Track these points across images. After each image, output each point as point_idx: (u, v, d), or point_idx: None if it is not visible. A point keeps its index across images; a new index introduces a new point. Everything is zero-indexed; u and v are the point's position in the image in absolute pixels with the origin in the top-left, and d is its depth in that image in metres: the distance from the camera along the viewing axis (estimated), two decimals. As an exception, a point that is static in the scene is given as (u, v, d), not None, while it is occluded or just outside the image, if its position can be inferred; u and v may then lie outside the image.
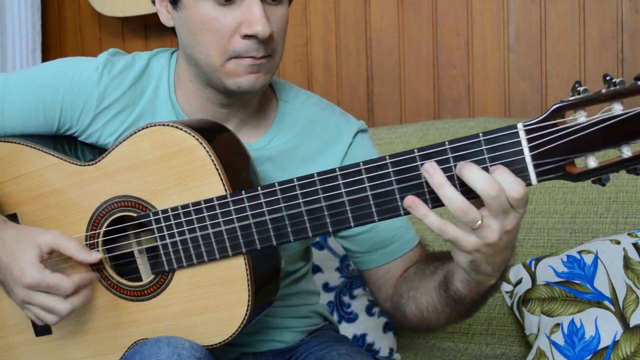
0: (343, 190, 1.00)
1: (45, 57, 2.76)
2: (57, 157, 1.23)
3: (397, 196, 0.97)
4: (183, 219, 1.12)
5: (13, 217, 1.28)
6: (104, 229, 1.19)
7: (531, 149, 0.89)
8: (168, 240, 1.13)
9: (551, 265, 1.65)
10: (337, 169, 1.00)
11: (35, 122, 1.27)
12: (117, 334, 1.20)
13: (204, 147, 1.10)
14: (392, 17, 2.33)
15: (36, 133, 1.29)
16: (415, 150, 0.95)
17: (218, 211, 1.09)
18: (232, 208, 1.08)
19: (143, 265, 1.20)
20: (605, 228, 1.74)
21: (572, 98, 0.87)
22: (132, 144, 1.16)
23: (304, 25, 2.45)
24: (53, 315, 1.14)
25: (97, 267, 1.20)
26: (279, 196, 1.04)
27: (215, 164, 1.10)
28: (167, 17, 1.25)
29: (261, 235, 1.07)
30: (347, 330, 1.83)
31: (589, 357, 1.48)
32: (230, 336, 1.12)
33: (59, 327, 1.25)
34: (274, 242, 1.07)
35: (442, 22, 2.28)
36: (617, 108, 0.86)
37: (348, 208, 1.00)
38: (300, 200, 1.03)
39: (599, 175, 0.88)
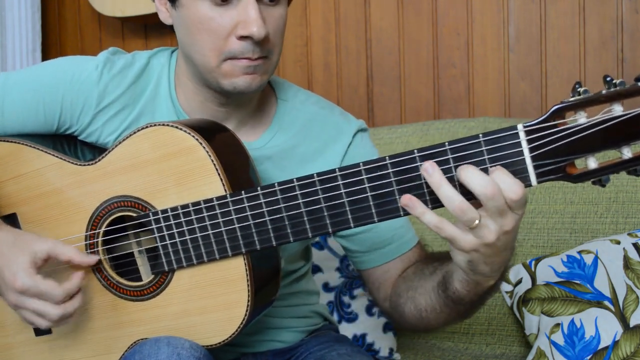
0: (343, 191, 1.00)
1: (45, 57, 2.76)
2: (57, 156, 1.23)
3: (397, 197, 0.96)
4: (183, 219, 1.11)
5: (12, 217, 1.28)
6: (103, 228, 1.19)
7: (531, 150, 0.89)
8: (168, 241, 1.13)
9: (551, 265, 1.65)
10: (336, 169, 1.00)
11: (35, 121, 1.27)
12: (116, 333, 1.20)
13: (204, 147, 1.10)
14: (392, 17, 2.33)
15: (36, 132, 1.29)
16: (415, 150, 0.95)
17: (218, 211, 1.09)
18: (231, 208, 1.08)
19: (143, 265, 1.20)
20: (605, 228, 1.74)
21: (572, 99, 0.87)
22: (131, 143, 1.16)
23: (304, 25, 2.44)
24: (44, 320, 1.14)
25: (96, 267, 1.20)
26: (279, 196, 1.04)
27: (214, 164, 1.10)
28: (165, 15, 1.25)
29: (261, 235, 1.07)
30: (347, 330, 1.83)
31: (589, 357, 1.48)
32: (230, 336, 1.12)
33: (59, 326, 1.25)
34: (274, 243, 1.07)
35: (442, 22, 2.28)
36: (617, 109, 0.85)
37: (348, 208, 1.00)
38: (300, 201, 1.03)
39: (599, 176, 0.88)
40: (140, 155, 1.15)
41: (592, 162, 0.88)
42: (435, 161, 0.93)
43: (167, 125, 1.13)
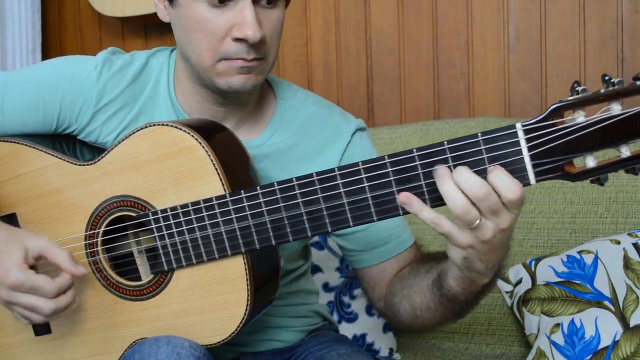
0: (342, 190, 1.00)
1: (45, 57, 2.76)
2: (57, 156, 1.23)
3: (396, 196, 0.97)
4: (182, 219, 1.12)
5: (12, 217, 1.28)
6: (103, 228, 1.19)
7: (530, 148, 0.89)
8: (167, 240, 1.13)
9: (551, 265, 1.65)
10: (336, 169, 1.00)
11: (34, 121, 1.27)
12: (116, 333, 1.20)
13: (203, 147, 1.10)
14: (392, 17, 2.33)
15: (36, 132, 1.29)
16: (414, 150, 0.95)
17: (217, 211, 1.09)
18: (231, 208, 1.08)
19: (142, 265, 1.20)
20: (605, 228, 1.74)
21: (570, 98, 0.87)
22: (131, 143, 1.16)
23: (304, 25, 2.45)
24: (37, 315, 1.14)
25: (96, 266, 1.20)
26: (278, 196, 1.04)
27: (214, 164, 1.10)
28: (163, 13, 1.25)
29: (260, 235, 1.07)
30: (347, 330, 1.83)
31: (589, 357, 1.48)
32: (229, 335, 1.12)
33: (58, 326, 1.25)
34: (273, 242, 1.07)
35: (442, 22, 2.28)
36: (615, 108, 0.86)
37: (347, 208, 1.00)
38: (300, 200, 1.03)
39: (598, 175, 0.88)
40: (140, 155, 1.15)
41: (591, 161, 0.88)
42: (434, 160, 0.93)
43: (167, 125, 1.13)
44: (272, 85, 1.35)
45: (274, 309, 1.34)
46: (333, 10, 2.40)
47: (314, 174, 1.01)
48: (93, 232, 1.20)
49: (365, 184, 0.98)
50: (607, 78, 0.86)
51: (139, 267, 1.20)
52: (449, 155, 0.93)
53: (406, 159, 0.95)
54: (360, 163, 0.98)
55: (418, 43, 2.31)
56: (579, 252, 1.64)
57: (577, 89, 0.87)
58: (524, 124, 0.89)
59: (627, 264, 1.57)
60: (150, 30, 2.67)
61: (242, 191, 1.07)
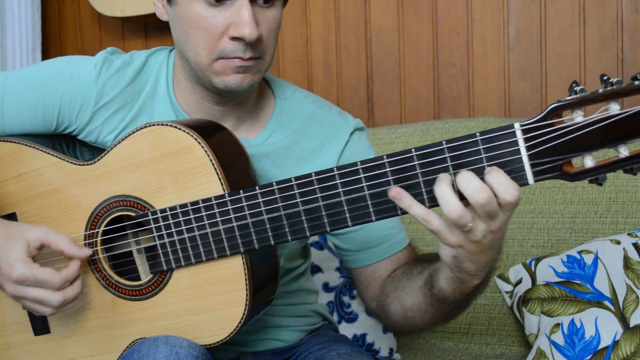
0: (340, 190, 1.00)
1: (45, 57, 2.77)
2: (56, 156, 1.23)
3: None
4: (181, 219, 1.12)
5: (12, 217, 1.28)
6: (102, 228, 1.19)
7: (528, 148, 0.89)
8: (166, 240, 1.13)
9: (551, 265, 1.65)
10: (334, 169, 1.00)
11: (34, 121, 1.28)
12: (115, 333, 1.20)
13: (202, 147, 1.10)
14: (392, 17, 2.33)
15: (36, 132, 1.29)
16: (413, 149, 0.95)
17: (216, 211, 1.09)
18: (230, 207, 1.08)
19: (141, 264, 1.21)
20: (605, 228, 1.74)
21: (569, 98, 0.87)
22: (130, 143, 1.16)
23: (304, 25, 2.45)
24: (46, 307, 1.14)
25: (95, 266, 1.20)
26: (277, 195, 1.04)
27: (213, 164, 1.10)
28: (161, 11, 1.25)
29: (259, 234, 1.07)
30: (347, 330, 1.83)
31: (589, 357, 1.48)
32: (228, 335, 1.12)
33: (58, 326, 1.25)
34: (272, 242, 1.07)
35: (442, 22, 2.28)
36: (614, 108, 0.86)
37: (345, 208, 1.00)
38: (298, 200, 1.03)
39: (596, 175, 0.88)
40: (139, 155, 1.15)
41: (589, 161, 0.88)
42: (432, 160, 0.93)
43: (166, 124, 1.13)
44: (271, 85, 1.35)
45: (274, 308, 1.34)
46: (333, 10, 2.40)
47: (313, 173, 1.01)
48: (93, 231, 1.20)
49: (364, 184, 0.98)
50: (605, 78, 0.86)
51: (138, 266, 1.21)
52: (447, 155, 0.93)
53: (404, 159, 0.95)
54: (359, 163, 0.98)
55: (418, 43, 2.31)
56: (579, 252, 1.64)
57: (575, 88, 0.87)
58: (522, 123, 0.89)
59: (627, 264, 1.57)
60: (150, 30, 2.67)
61: (241, 191, 1.07)
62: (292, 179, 1.03)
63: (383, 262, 1.30)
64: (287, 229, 1.05)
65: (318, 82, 2.43)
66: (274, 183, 1.04)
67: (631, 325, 1.48)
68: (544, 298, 1.60)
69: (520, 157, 0.90)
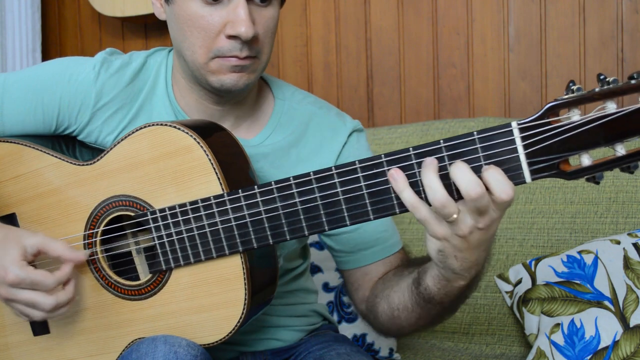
0: (339, 189, 1.00)
1: (45, 57, 2.77)
2: (56, 156, 1.23)
3: (393, 194, 0.97)
4: (180, 218, 1.12)
5: (12, 217, 1.28)
6: (101, 228, 1.19)
7: (525, 147, 0.89)
8: (165, 240, 1.13)
9: (551, 265, 1.65)
10: (333, 168, 1.00)
11: (34, 122, 1.28)
12: (114, 333, 1.20)
13: (201, 147, 1.11)
14: (392, 17, 2.34)
15: (35, 133, 1.29)
16: (411, 148, 0.95)
17: (215, 210, 1.09)
18: (229, 207, 1.08)
19: (141, 264, 1.21)
20: (605, 228, 1.74)
21: (566, 97, 0.87)
22: (130, 143, 1.17)
23: (304, 25, 2.45)
24: (37, 311, 1.14)
25: (94, 266, 1.20)
26: (276, 195, 1.05)
27: (212, 163, 1.10)
28: (159, 11, 1.26)
29: (258, 234, 1.07)
30: (347, 330, 1.83)
31: (589, 357, 1.48)
32: (227, 335, 1.12)
33: (57, 326, 1.25)
34: (271, 241, 1.07)
35: (442, 22, 2.28)
36: (610, 106, 0.86)
37: (344, 207, 1.00)
38: (297, 200, 1.03)
39: (593, 174, 0.88)
40: (139, 155, 1.16)
41: (586, 160, 0.88)
42: (431, 159, 0.93)
43: (165, 125, 1.13)
44: (270, 86, 1.36)
45: (273, 308, 1.34)
46: (333, 10, 2.40)
47: (311, 173, 1.02)
48: (92, 231, 1.20)
49: (362, 183, 0.98)
50: (602, 77, 0.86)
51: (137, 266, 1.21)
52: (445, 154, 0.93)
53: (403, 158, 0.95)
54: (357, 161, 0.98)
55: (418, 43, 2.31)
56: (579, 252, 1.64)
57: (572, 87, 0.87)
58: (519, 122, 0.90)
59: (627, 264, 1.57)
60: (150, 30, 2.67)
61: (240, 190, 1.07)
62: (291, 178, 1.03)
63: (375, 265, 1.30)
64: (285, 228, 1.05)
65: (318, 82, 2.43)
66: (273, 182, 1.05)
67: (631, 325, 1.48)
68: (544, 298, 1.60)
69: (518, 156, 0.90)
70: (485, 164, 0.91)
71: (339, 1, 2.40)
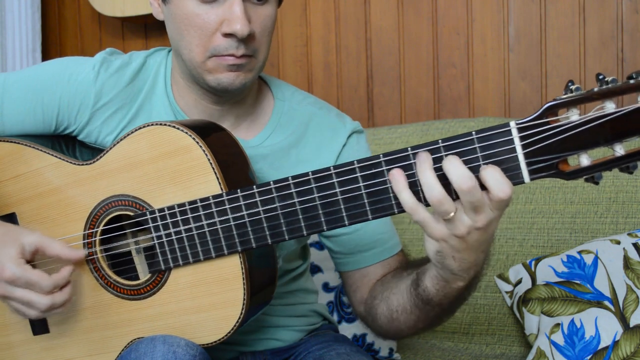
0: (337, 189, 1.00)
1: (45, 57, 2.77)
2: (56, 156, 1.24)
3: (391, 194, 0.97)
4: (179, 218, 1.12)
5: (12, 216, 1.28)
6: (101, 227, 1.19)
7: (524, 146, 0.89)
8: (165, 239, 1.13)
9: (551, 265, 1.65)
10: (331, 168, 1.00)
11: (34, 122, 1.28)
12: (113, 332, 1.20)
13: (201, 146, 1.11)
14: (392, 17, 2.34)
15: (35, 132, 1.29)
16: (409, 148, 0.95)
17: (214, 210, 1.09)
18: (227, 207, 1.08)
19: (140, 264, 1.21)
20: (605, 228, 1.74)
21: (564, 96, 0.87)
22: (129, 143, 1.17)
23: (304, 25, 2.45)
24: (32, 310, 1.14)
25: (94, 265, 1.20)
26: (274, 195, 1.05)
27: (211, 163, 1.10)
28: (157, 11, 1.26)
29: (256, 233, 1.07)
30: (347, 330, 1.83)
31: (589, 357, 1.48)
32: (226, 335, 1.12)
33: (56, 325, 1.25)
34: (269, 241, 1.07)
35: (442, 22, 2.28)
36: (609, 106, 0.86)
37: (342, 207, 1.00)
38: (296, 200, 1.03)
39: (592, 174, 0.88)
40: (138, 155, 1.16)
41: (585, 159, 0.88)
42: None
43: (164, 124, 1.14)
44: (270, 86, 1.36)
45: (273, 308, 1.34)
46: (333, 10, 2.40)
47: (310, 173, 1.02)
48: (91, 231, 1.20)
49: (361, 183, 0.98)
50: (601, 77, 0.86)
51: (136, 266, 1.21)
52: (443, 154, 0.93)
53: (401, 158, 0.95)
54: (355, 162, 0.98)
55: (418, 43, 2.31)
56: (579, 252, 1.63)
57: (571, 87, 0.87)
58: (518, 122, 0.90)
59: (627, 264, 1.56)
60: (150, 30, 2.67)
61: (239, 190, 1.07)
62: (289, 178, 1.03)
63: (373, 267, 1.30)
64: (284, 228, 1.05)
65: (318, 82, 2.43)
66: (272, 182, 1.05)
67: (631, 325, 1.48)
68: (544, 298, 1.60)
69: (516, 156, 0.90)
70: (484, 164, 0.91)
71: (339, 1, 2.40)
